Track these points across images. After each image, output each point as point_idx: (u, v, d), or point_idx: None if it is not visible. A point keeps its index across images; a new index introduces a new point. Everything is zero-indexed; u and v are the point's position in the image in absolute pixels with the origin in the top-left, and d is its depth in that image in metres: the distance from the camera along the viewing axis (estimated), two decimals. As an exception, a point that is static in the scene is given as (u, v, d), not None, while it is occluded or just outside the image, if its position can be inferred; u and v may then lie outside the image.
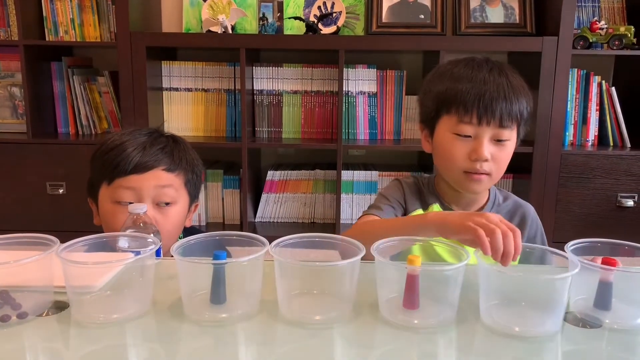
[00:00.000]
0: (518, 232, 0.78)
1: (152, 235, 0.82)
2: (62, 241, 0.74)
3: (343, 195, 2.46)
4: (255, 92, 2.47)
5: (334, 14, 2.40)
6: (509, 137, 1.05)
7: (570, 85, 2.32)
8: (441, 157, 1.10)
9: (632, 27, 2.28)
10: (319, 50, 2.36)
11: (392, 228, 0.96)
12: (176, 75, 2.46)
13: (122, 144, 1.09)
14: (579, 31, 2.30)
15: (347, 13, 2.42)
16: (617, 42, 2.27)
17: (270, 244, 0.74)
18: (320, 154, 2.59)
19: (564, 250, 0.76)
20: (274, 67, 2.45)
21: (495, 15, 2.42)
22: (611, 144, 2.39)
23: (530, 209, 1.17)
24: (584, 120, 2.40)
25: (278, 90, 2.47)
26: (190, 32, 2.49)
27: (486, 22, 2.42)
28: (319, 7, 2.42)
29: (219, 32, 2.32)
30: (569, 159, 2.30)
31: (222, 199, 2.52)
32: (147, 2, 2.46)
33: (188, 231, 1.19)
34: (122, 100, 2.31)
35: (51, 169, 2.36)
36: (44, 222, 2.39)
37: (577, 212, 2.34)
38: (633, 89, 2.44)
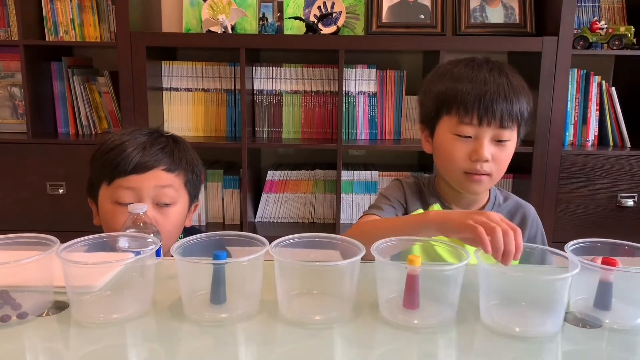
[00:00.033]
0: (519, 231, 0.78)
1: (152, 235, 0.82)
2: (62, 241, 0.74)
3: (343, 195, 2.46)
4: (255, 92, 2.47)
5: (334, 14, 2.40)
6: (510, 137, 1.05)
7: (570, 85, 2.32)
8: (441, 158, 1.10)
9: (632, 27, 2.28)
10: (319, 50, 2.36)
11: (392, 227, 0.96)
12: (176, 75, 2.46)
13: (122, 144, 1.09)
14: (579, 31, 2.30)
15: (347, 13, 2.42)
16: (617, 42, 2.27)
17: (270, 244, 0.74)
18: (320, 154, 2.59)
19: (564, 251, 0.76)
20: (274, 67, 2.45)
21: (495, 15, 2.42)
22: (611, 144, 2.39)
23: (530, 209, 1.17)
24: (584, 120, 2.40)
25: (278, 90, 2.47)
26: (190, 32, 2.49)
27: (486, 22, 2.42)
28: (319, 7, 2.42)
29: (219, 32, 2.32)
30: (569, 159, 2.30)
31: (222, 199, 2.52)
32: (147, 2, 2.46)
33: (188, 231, 1.19)
34: (122, 100, 2.31)
35: (51, 169, 2.36)
36: (44, 222, 2.39)
37: (577, 212, 2.34)
38: (633, 89, 2.44)
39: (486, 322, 0.72)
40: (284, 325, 0.71)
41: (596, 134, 2.41)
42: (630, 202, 2.31)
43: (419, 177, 1.21)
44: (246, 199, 2.41)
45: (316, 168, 2.51)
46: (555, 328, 0.71)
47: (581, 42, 2.26)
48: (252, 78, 2.45)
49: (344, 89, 2.38)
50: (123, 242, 0.82)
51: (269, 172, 2.51)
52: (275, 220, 2.55)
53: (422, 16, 2.41)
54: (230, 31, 2.34)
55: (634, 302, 0.75)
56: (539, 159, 2.29)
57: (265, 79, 2.46)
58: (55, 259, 0.70)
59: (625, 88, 2.42)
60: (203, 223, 2.52)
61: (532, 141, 2.28)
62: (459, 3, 2.42)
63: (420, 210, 1.14)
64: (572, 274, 0.70)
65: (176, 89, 2.47)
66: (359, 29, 2.48)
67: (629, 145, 2.38)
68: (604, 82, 2.37)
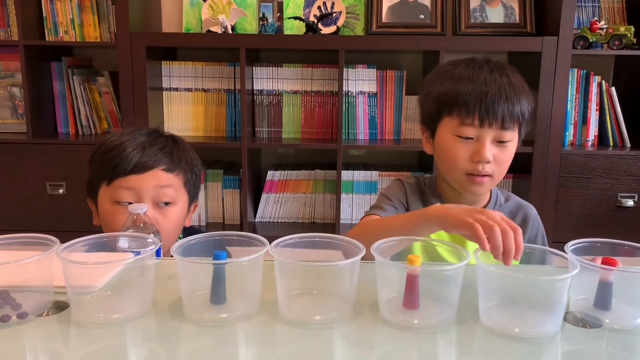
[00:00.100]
0: (519, 230, 0.77)
1: (152, 235, 0.82)
2: (62, 241, 0.74)
3: (343, 195, 2.46)
4: (255, 92, 2.47)
5: (334, 14, 2.40)
6: (511, 138, 1.05)
7: (570, 85, 2.32)
8: (443, 159, 1.10)
9: (632, 27, 2.28)
10: (319, 50, 2.36)
11: (395, 224, 0.96)
12: (176, 75, 2.46)
13: (122, 144, 1.09)
14: (579, 31, 2.30)
15: (347, 13, 2.42)
16: (617, 42, 2.27)
17: (270, 244, 0.74)
18: (320, 154, 2.59)
19: (564, 251, 0.76)
20: (274, 67, 2.45)
21: (495, 15, 2.42)
22: (611, 144, 2.39)
23: (532, 210, 1.17)
24: (584, 120, 2.40)
25: (278, 90, 2.47)
26: (190, 32, 2.49)
27: (486, 22, 2.42)
28: (319, 7, 2.42)
29: (219, 32, 2.32)
30: (569, 159, 2.31)
31: (222, 199, 2.52)
32: (147, 2, 2.46)
33: (187, 231, 1.19)
34: (122, 100, 2.31)
35: (51, 169, 2.36)
36: (44, 222, 2.39)
37: (577, 212, 2.34)
38: (633, 89, 2.44)
39: (485, 322, 0.72)
40: (284, 325, 0.71)
41: (596, 134, 2.41)
42: (630, 202, 2.31)
43: (420, 177, 1.21)
44: (246, 199, 2.41)
45: (316, 168, 2.51)
46: (555, 328, 0.71)
47: (581, 42, 2.26)
48: (252, 78, 2.45)
49: (344, 89, 2.38)
50: (123, 242, 0.82)
51: (269, 172, 2.51)
52: (275, 220, 2.55)
53: (422, 16, 2.41)
54: (230, 31, 2.34)
55: (634, 302, 0.75)
56: (539, 159, 2.29)
57: (265, 79, 2.46)
58: (55, 259, 0.70)
59: (625, 88, 2.42)
60: (203, 223, 2.52)
61: (532, 141, 2.28)
62: (459, 3, 2.42)
63: None
64: (572, 275, 0.70)
65: (176, 89, 2.47)
66: (359, 29, 2.48)
67: (629, 145, 2.38)
68: (604, 82, 2.37)
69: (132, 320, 0.71)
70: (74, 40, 2.43)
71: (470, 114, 1.02)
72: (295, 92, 2.47)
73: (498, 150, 1.04)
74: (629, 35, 2.27)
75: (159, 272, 0.82)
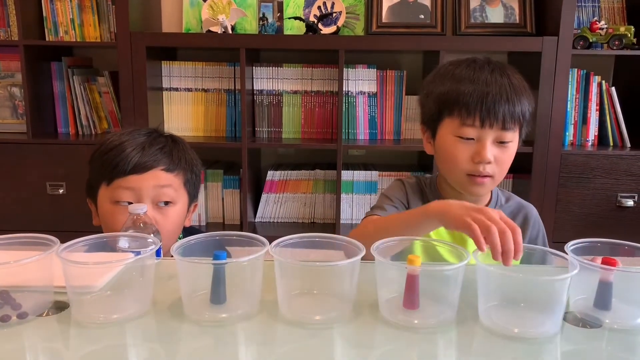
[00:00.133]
0: (518, 229, 0.77)
1: (152, 235, 0.83)
2: (62, 241, 0.74)
3: (343, 195, 2.46)
4: (255, 92, 2.47)
5: (334, 14, 2.40)
6: (512, 138, 1.05)
7: (570, 85, 2.32)
8: (444, 160, 1.09)
9: (632, 27, 2.28)
10: (319, 50, 2.36)
11: (396, 222, 0.96)
12: (176, 75, 2.46)
13: (121, 144, 1.09)
14: (579, 31, 2.30)
15: (347, 13, 2.42)
16: (617, 42, 2.27)
17: (270, 244, 0.74)
18: (320, 154, 2.59)
19: (564, 251, 0.76)
20: (274, 67, 2.45)
21: (495, 15, 2.42)
22: (611, 144, 2.39)
23: (532, 210, 1.17)
24: (584, 120, 2.40)
25: (278, 90, 2.47)
26: (190, 32, 2.49)
27: (486, 22, 2.42)
28: (319, 7, 2.42)
29: (219, 32, 2.32)
30: (569, 159, 2.31)
31: (222, 199, 2.52)
32: (147, 2, 2.46)
33: (187, 231, 1.19)
34: (122, 100, 2.31)
35: (51, 169, 2.36)
36: (44, 222, 2.39)
37: (577, 212, 2.34)
38: (633, 89, 2.44)
39: (485, 323, 0.72)
40: (284, 325, 0.71)
41: (596, 134, 2.41)
42: (630, 202, 2.31)
43: (421, 177, 1.21)
44: (246, 199, 2.41)
45: (316, 168, 2.51)
46: (555, 328, 0.71)
47: (581, 42, 2.26)
48: (252, 78, 2.45)
49: (344, 89, 2.38)
50: (123, 242, 0.82)
51: (269, 172, 2.51)
52: (275, 220, 2.55)
53: (422, 16, 2.41)
54: (230, 31, 2.34)
55: (634, 302, 0.75)
56: (539, 159, 2.29)
57: (265, 79, 2.46)
58: (56, 259, 0.70)
59: (625, 88, 2.42)
60: (203, 223, 2.52)
61: (532, 141, 2.28)
62: (459, 3, 2.42)
63: None
64: (571, 275, 0.70)
65: (176, 89, 2.47)
66: (359, 29, 2.48)
67: (629, 145, 2.38)
68: (604, 82, 2.37)
69: (132, 320, 0.71)
70: (74, 40, 2.43)
71: (471, 115, 1.02)
72: (295, 92, 2.47)
73: (499, 151, 1.04)
74: (629, 35, 2.27)
75: (159, 272, 0.82)
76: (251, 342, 0.69)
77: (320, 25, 2.38)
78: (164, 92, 2.47)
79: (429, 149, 1.15)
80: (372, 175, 2.49)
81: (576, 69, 2.34)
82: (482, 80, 1.03)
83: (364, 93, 2.46)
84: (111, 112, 2.54)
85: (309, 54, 2.47)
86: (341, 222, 2.43)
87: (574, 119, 2.40)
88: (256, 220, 2.54)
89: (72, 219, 2.31)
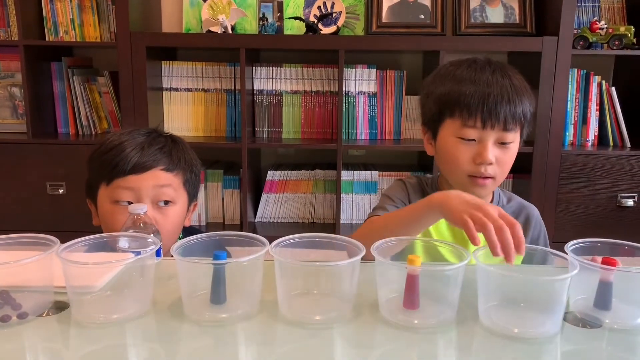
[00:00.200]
0: (517, 224, 0.76)
1: (152, 235, 0.83)
2: (62, 241, 0.74)
3: (343, 195, 2.46)
4: (255, 92, 2.47)
5: (334, 14, 2.40)
6: (513, 139, 1.05)
7: (570, 85, 2.32)
8: (445, 161, 1.09)
9: (632, 27, 2.28)
10: (319, 50, 2.36)
11: (399, 216, 0.96)
12: (176, 75, 2.46)
13: (121, 144, 1.09)
14: (579, 31, 2.30)
15: (347, 13, 2.42)
16: (617, 42, 2.27)
17: (270, 244, 0.74)
18: (320, 154, 2.59)
19: (564, 251, 0.76)
20: (274, 67, 2.45)
21: (495, 15, 2.42)
22: (611, 144, 2.39)
23: (534, 211, 1.17)
24: (584, 120, 2.40)
25: (278, 90, 2.47)
26: (190, 32, 2.49)
27: (486, 22, 2.42)
28: (319, 7, 2.42)
29: (219, 32, 2.32)
30: (569, 159, 2.30)
31: (222, 199, 2.52)
32: (147, 2, 2.46)
33: (187, 231, 1.20)
34: (122, 100, 2.31)
35: (51, 169, 2.36)
36: (44, 222, 2.39)
37: (577, 212, 2.34)
38: (633, 89, 2.44)
39: (485, 323, 0.72)
40: (284, 325, 0.71)
41: (596, 134, 2.41)
42: (630, 202, 2.31)
43: (422, 177, 1.21)
44: (246, 199, 2.41)
45: (316, 168, 2.51)
46: (555, 329, 0.71)
47: (581, 42, 2.26)
48: (252, 78, 2.45)
49: (344, 89, 2.38)
50: (123, 242, 0.82)
51: (269, 172, 2.51)
52: (275, 221, 2.55)
53: (422, 16, 2.41)
54: (230, 31, 2.34)
55: (634, 302, 0.75)
56: (539, 159, 2.29)
57: (265, 79, 2.46)
58: (56, 259, 0.70)
59: (625, 88, 2.42)
60: (203, 223, 2.52)
61: (532, 141, 2.28)
62: (459, 3, 2.42)
63: None
64: (571, 275, 0.70)
65: (176, 89, 2.47)
66: (359, 29, 2.48)
67: (629, 145, 2.38)
68: (604, 82, 2.37)
69: (132, 320, 0.71)
70: (74, 40, 2.43)
71: (472, 116, 1.02)
72: (295, 92, 2.47)
73: (500, 152, 1.04)
74: (629, 35, 2.27)
75: (159, 272, 0.82)
76: (251, 342, 0.69)
77: (320, 25, 2.38)
78: (164, 92, 2.47)
79: (430, 150, 1.14)
80: (372, 175, 2.49)
81: (576, 69, 2.34)
82: (483, 81, 1.03)
83: (364, 93, 2.46)
84: (111, 112, 2.54)
85: (309, 54, 2.47)
86: (341, 222, 2.43)
87: (574, 119, 2.40)
88: (256, 220, 2.54)
89: (72, 219, 2.31)
